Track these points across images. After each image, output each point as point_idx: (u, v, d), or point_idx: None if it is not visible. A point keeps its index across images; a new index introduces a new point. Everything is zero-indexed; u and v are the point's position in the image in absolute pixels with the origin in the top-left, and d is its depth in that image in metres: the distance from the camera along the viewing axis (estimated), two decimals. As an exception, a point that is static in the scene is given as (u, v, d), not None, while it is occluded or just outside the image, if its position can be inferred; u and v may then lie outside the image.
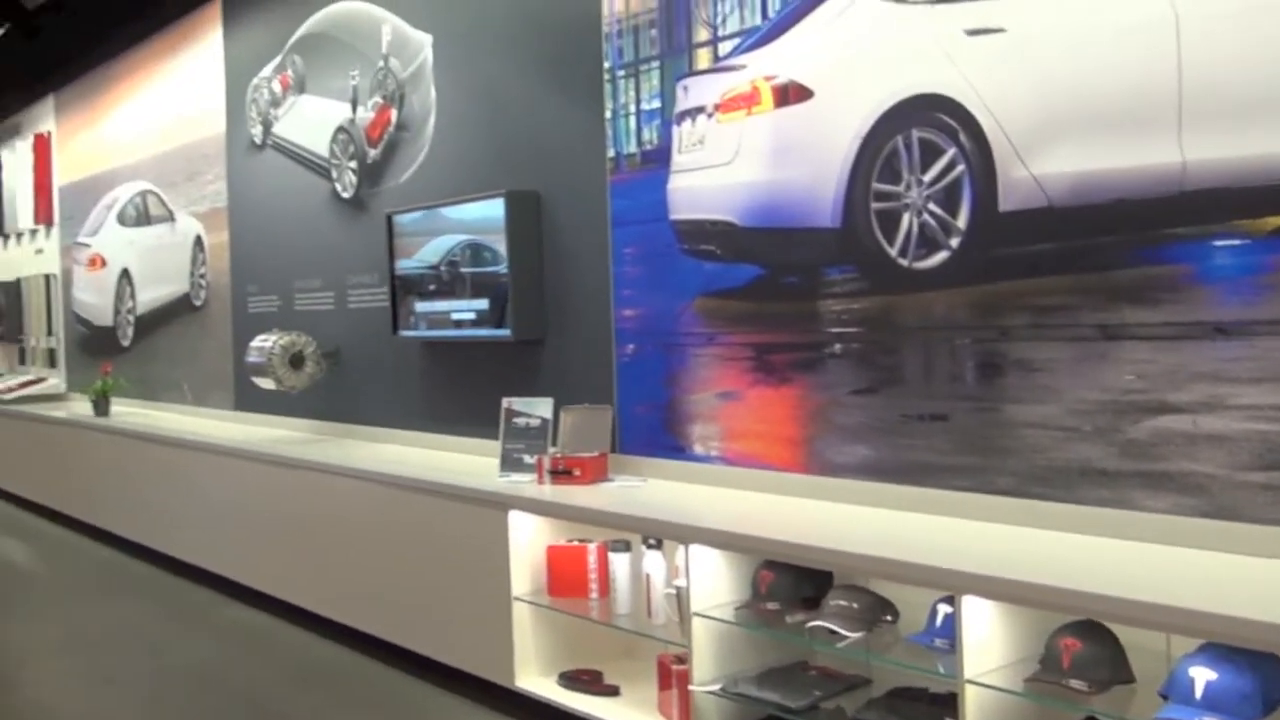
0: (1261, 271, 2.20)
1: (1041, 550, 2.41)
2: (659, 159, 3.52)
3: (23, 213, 9.14)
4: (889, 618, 2.60)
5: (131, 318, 7.34)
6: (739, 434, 3.31)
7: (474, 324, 4.21)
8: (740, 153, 3.25)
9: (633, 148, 3.63)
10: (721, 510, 3.10)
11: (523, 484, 3.61)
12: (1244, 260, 2.23)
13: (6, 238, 9.66)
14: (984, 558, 2.33)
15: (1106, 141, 2.43)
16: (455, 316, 4.30)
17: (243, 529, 5.04)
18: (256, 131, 5.84)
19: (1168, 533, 2.32)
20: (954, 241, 2.74)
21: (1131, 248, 2.40)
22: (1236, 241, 2.24)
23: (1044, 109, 2.55)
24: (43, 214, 8.81)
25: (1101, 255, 2.45)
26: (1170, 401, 2.33)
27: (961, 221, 2.72)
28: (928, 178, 2.79)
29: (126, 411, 7.04)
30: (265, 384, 5.14)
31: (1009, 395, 2.62)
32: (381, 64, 4.84)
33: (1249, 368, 2.21)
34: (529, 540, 3.45)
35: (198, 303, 6.51)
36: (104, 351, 7.73)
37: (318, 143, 5.30)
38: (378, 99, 4.88)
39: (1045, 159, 2.55)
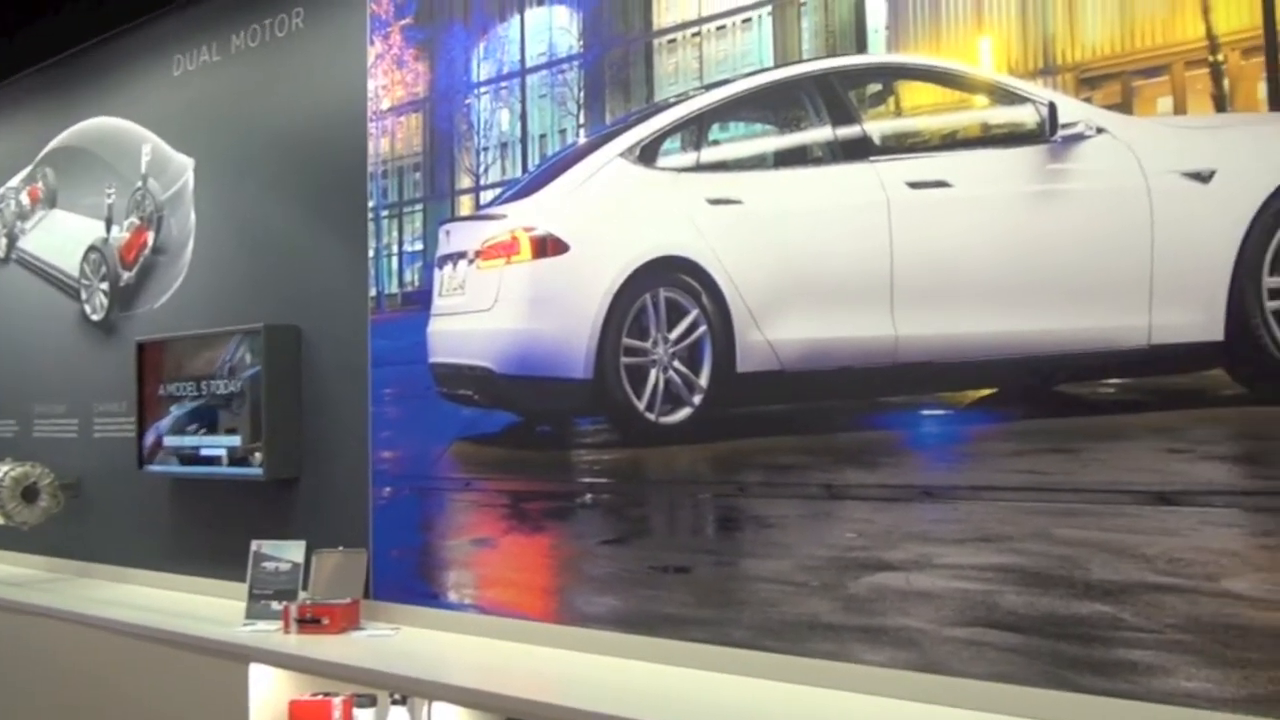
0: (962, 441, 2.39)
1: (773, 706, 2.47)
2: (420, 301, 3.52)
3: None
4: (631, 776, 2.59)
5: None
6: (492, 581, 3.27)
7: (225, 461, 4.03)
8: (499, 300, 3.30)
9: (394, 288, 3.62)
10: (470, 663, 3.03)
11: (269, 632, 3.44)
12: (947, 429, 2.42)
13: None
14: (719, 715, 2.38)
15: (831, 312, 2.61)
16: (205, 452, 4.10)
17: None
18: (0, 244, 5.48)
19: (886, 685, 2.43)
20: (696, 399, 2.85)
21: (853, 413, 2.57)
22: (941, 412, 2.43)
23: (776, 277, 2.71)
24: None
25: (827, 418, 2.61)
26: (886, 559, 2.47)
27: (703, 380, 2.84)
28: (673, 336, 2.91)
29: None
30: (-9, 518, 4.72)
31: (744, 549, 2.71)
32: (140, 184, 4.67)
33: (952, 529, 2.38)
34: (271, 693, 3.27)
35: (-78, 423, 5.94)
36: None
37: (68, 261, 5.02)
38: (134, 220, 4.68)
39: (778, 325, 2.71)
